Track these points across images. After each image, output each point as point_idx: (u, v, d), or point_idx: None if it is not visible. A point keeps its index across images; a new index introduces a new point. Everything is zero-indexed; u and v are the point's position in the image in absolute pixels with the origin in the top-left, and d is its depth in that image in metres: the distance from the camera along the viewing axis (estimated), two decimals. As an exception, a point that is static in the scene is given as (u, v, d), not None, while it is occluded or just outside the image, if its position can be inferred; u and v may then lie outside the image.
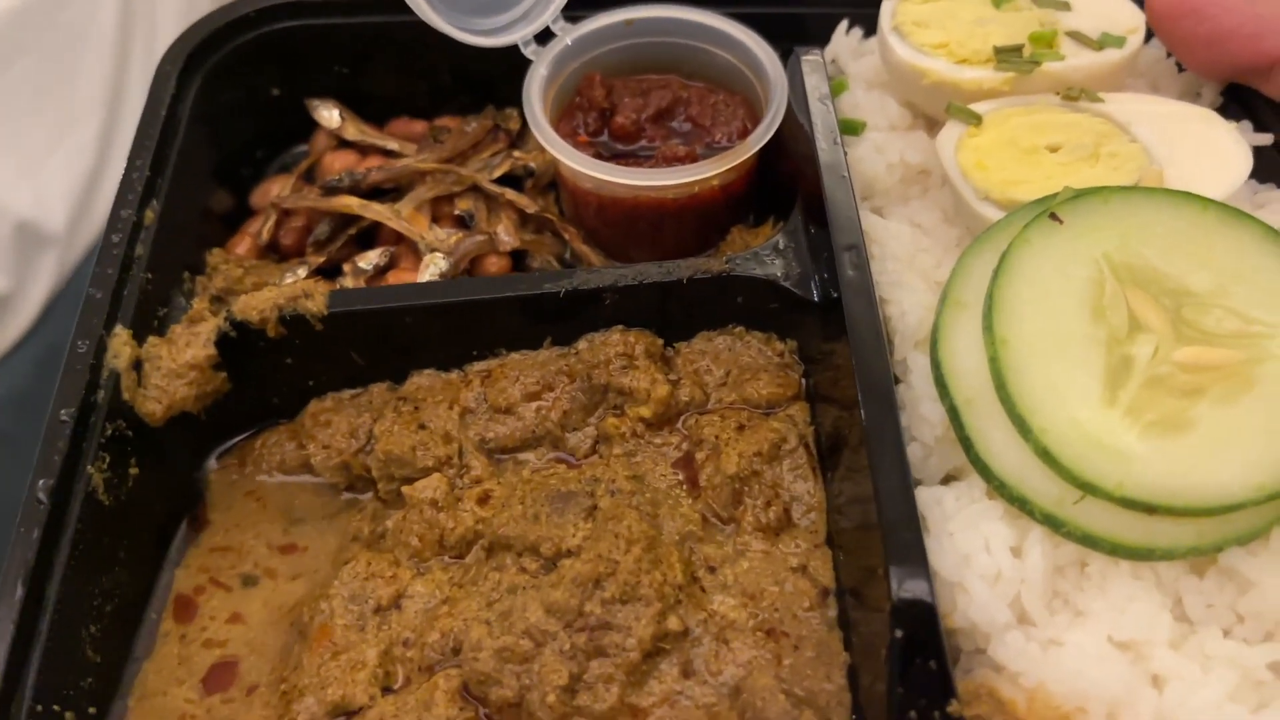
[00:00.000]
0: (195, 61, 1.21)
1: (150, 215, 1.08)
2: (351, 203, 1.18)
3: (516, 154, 1.27)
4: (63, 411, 0.93)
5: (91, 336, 0.98)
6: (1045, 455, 0.80)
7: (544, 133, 1.11)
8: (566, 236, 1.21)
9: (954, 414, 0.86)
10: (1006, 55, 1.09)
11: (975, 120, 1.05)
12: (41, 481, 0.90)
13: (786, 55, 1.18)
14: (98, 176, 2.30)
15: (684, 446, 1.01)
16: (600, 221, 1.19)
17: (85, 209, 2.27)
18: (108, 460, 0.95)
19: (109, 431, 0.96)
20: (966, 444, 0.85)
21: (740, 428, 1.00)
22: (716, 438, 0.99)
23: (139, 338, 1.01)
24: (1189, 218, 0.89)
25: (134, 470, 0.98)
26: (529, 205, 1.21)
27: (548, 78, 1.17)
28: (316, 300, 1.02)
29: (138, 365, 1.00)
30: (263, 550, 1.04)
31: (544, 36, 1.21)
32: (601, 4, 1.25)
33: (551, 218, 1.22)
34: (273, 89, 1.31)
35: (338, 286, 1.15)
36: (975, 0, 1.17)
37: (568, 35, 1.20)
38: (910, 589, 0.77)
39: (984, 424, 0.84)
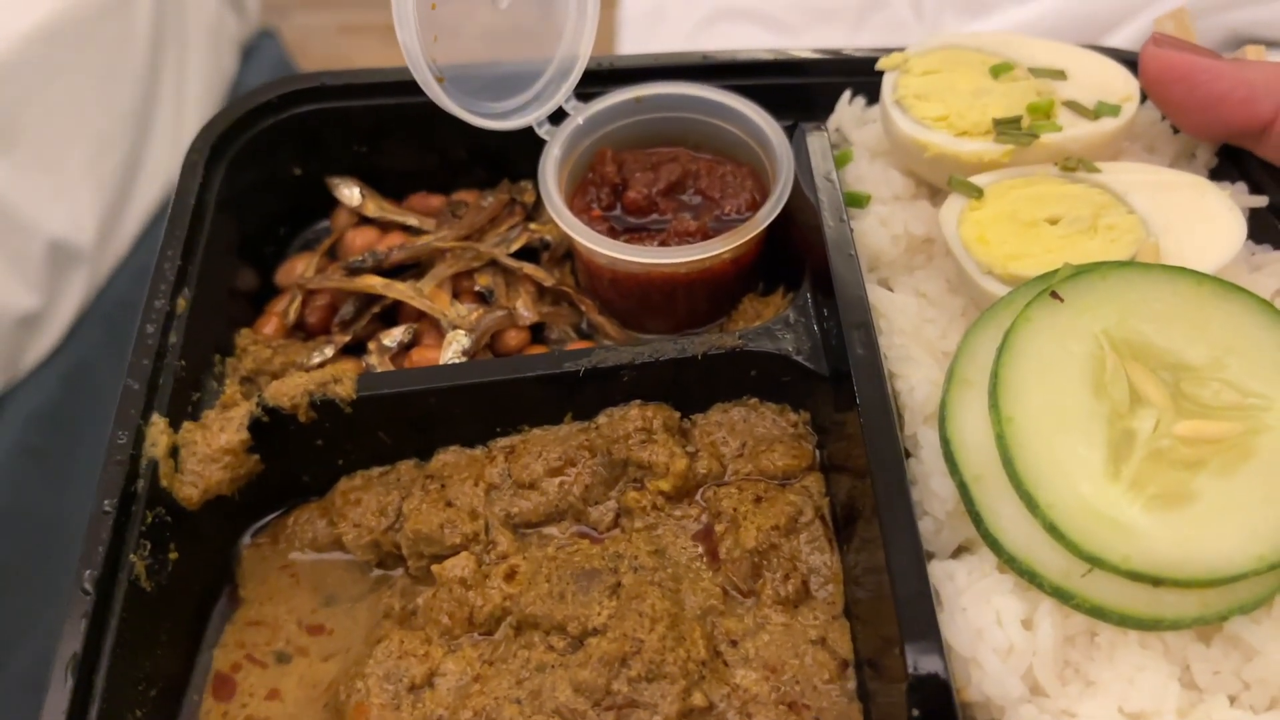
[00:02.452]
0: (221, 147, 1.25)
1: (182, 303, 1.12)
2: (375, 283, 1.22)
3: (533, 226, 1.31)
4: (106, 502, 0.97)
5: (129, 427, 1.01)
6: (1052, 530, 0.83)
7: (560, 213, 1.15)
8: (583, 308, 1.25)
9: (964, 489, 0.89)
10: (1005, 128, 1.13)
11: (977, 194, 1.09)
12: (88, 572, 0.93)
13: (793, 127, 1.22)
14: (126, 195, 2.36)
15: (703, 519, 1.05)
16: (615, 293, 1.23)
17: (113, 227, 2.33)
18: (149, 547, 0.99)
19: (149, 519, 0.99)
20: (977, 519, 0.88)
21: (757, 500, 1.03)
22: (735, 510, 1.02)
23: (174, 424, 1.05)
24: (1184, 293, 0.92)
25: (173, 555, 1.02)
26: (546, 279, 1.25)
27: (560, 158, 1.21)
28: (345, 385, 1.06)
29: (174, 451, 1.04)
30: (294, 627, 1.08)
31: (557, 116, 1.25)
32: (610, 80, 1.29)
33: (568, 290, 1.26)
34: (294, 169, 1.35)
35: (363, 365, 1.19)
36: (974, 71, 1.21)
37: (580, 115, 1.24)
38: (925, 665, 0.80)
39: (993, 500, 0.88)
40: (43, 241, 2.07)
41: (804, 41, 2.41)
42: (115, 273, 2.37)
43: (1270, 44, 1.94)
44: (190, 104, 2.64)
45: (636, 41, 2.54)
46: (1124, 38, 1.96)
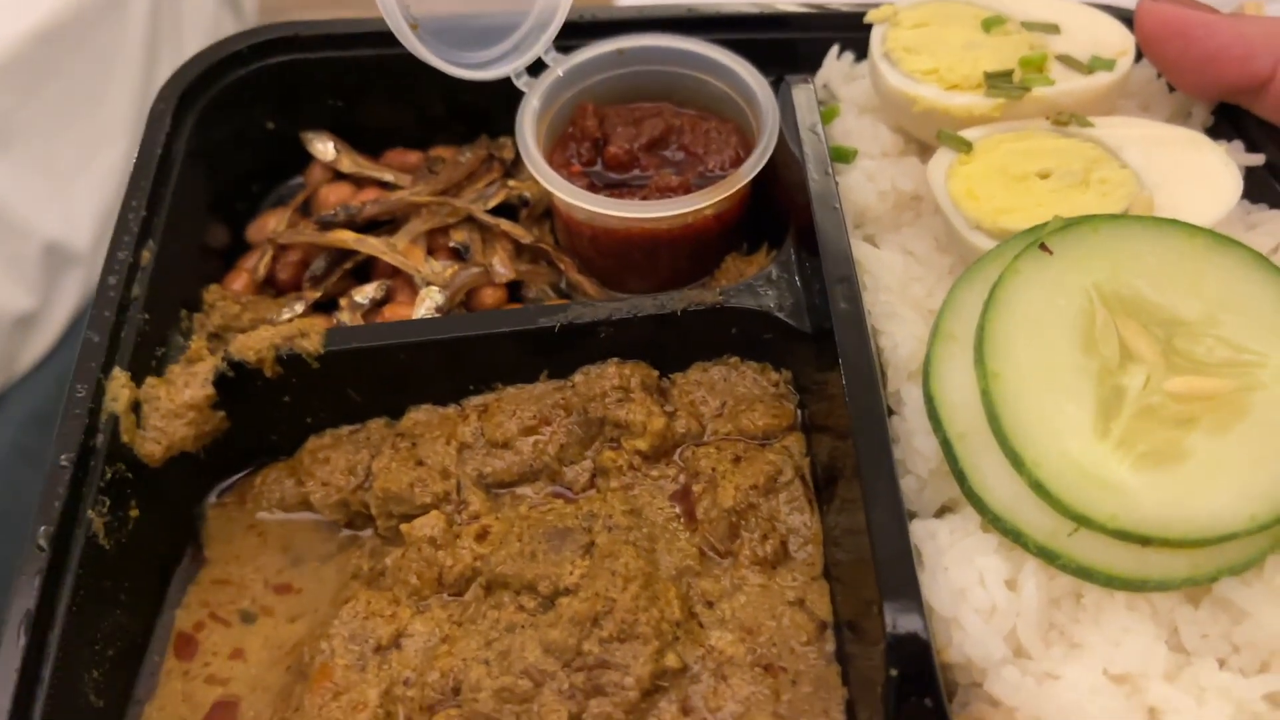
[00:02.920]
0: (189, 98, 1.21)
1: (146, 255, 1.08)
2: (347, 237, 1.19)
3: (511, 183, 1.28)
4: (62, 457, 0.94)
5: (89, 380, 0.98)
6: (1039, 489, 0.81)
7: (537, 166, 1.12)
8: (562, 266, 1.22)
9: (947, 447, 0.86)
10: (996, 81, 1.10)
11: (966, 148, 1.06)
12: (42, 528, 0.90)
13: (778, 82, 1.18)
14: (122, 196, 2.33)
15: (681, 479, 1.02)
16: (595, 251, 1.20)
17: (110, 229, 2.29)
18: (108, 504, 0.95)
19: (109, 475, 0.96)
20: (960, 478, 0.85)
21: (736, 460, 1.00)
22: (713, 470, 1.00)
23: (137, 379, 1.02)
24: (1178, 246, 0.89)
25: (134, 512, 0.99)
26: (524, 236, 1.22)
27: (539, 109, 1.18)
28: (313, 339, 1.03)
29: (136, 407, 1.01)
30: (260, 587, 1.05)
31: (536, 68, 1.21)
32: (592, 33, 1.26)
33: (547, 248, 1.22)
34: (267, 123, 1.31)
35: (334, 322, 1.16)
36: (965, 24, 1.18)
37: (560, 66, 1.21)
38: (905, 625, 0.77)
39: (977, 458, 0.85)
40: (38, 243, 2.05)
41: None
42: None
43: None
44: None
45: None
46: None
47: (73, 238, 2.14)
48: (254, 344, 1.02)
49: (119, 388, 0.99)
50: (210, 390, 1.02)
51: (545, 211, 1.29)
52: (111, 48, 2.30)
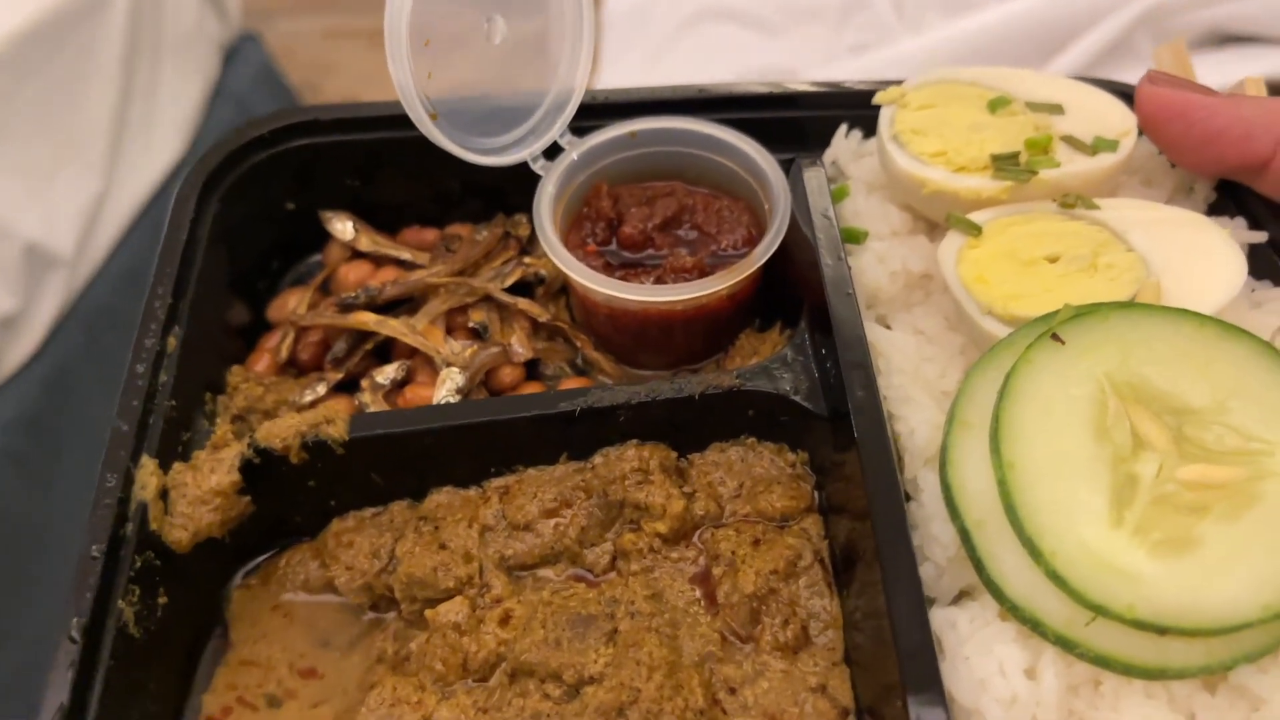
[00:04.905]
0: (213, 183, 1.23)
1: (173, 342, 1.10)
2: (368, 319, 1.21)
3: (527, 260, 1.30)
4: (94, 548, 0.95)
5: (119, 470, 1.00)
6: (1056, 578, 0.82)
7: (556, 251, 1.14)
8: (579, 344, 1.24)
9: (965, 535, 0.88)
10: (1003, 164, 1.12)
11: (975, 231, 1.08)
12: (75, 620, 0.91)
13: (789, 161, 1.21)
14: (104, 198, 2.36)
15: (701, 561, 1.03)
16: (611, 329, 1.22)
17: (92, 230, 2.33)
18: (138, 593, 0.97)
19: (138, 563, 0.98)
20: (979, 565, 0.87)
21: (756, 542, 1.02)
22: (733, 554, 1.01)
23: (164, 465, 1.04)
24: (1187, 334, 0.91)
25: (163, 599, 1.00)
26: (541, 314, 1.24)
27: (555, 194, 1.20)
28: (338, 426, 1.04)
29: (164, 493, 1.02)
30: (285, 670, 1.06)
31: (552, 150, 1.24)
32: (605, 114, 1.28)
33: (563, 325, 1.25)
34: (287, 203, 1.34)
35: (356, 402, 1.18)
36: (971, 105, 1.20)
37: (575, 150, 1.24)
38: (928, 717, 0.78)
39: (995, 546, 0.86)
40: (19, 245, 2.06)
41: (786, 41, 2.43)
42: (94, 277, 2.37)
43: (1249, 39, 1.95)
44: (169, 107, 2.65)
45: (621, 41, 2.54)
46: (1107, 30, 1.97)
47: (53, 239, 2.16)
48: (280, 431, 1.04)
49: (147, 475, 1.01)
50: (236, 476, 1.04)
51: (561, 288, 1.31)
52: (91, 49, 2.33)
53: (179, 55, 2.70)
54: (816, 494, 1.07)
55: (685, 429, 1.09)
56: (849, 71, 2.23)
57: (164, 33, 2.65)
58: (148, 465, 1.02)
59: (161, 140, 2.61)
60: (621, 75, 2.48)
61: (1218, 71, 1.89)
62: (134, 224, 2.49)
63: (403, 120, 1.12)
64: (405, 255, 1.32)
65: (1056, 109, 1.19)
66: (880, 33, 2.41)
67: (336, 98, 4.56)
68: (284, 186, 1.32)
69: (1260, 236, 1.13)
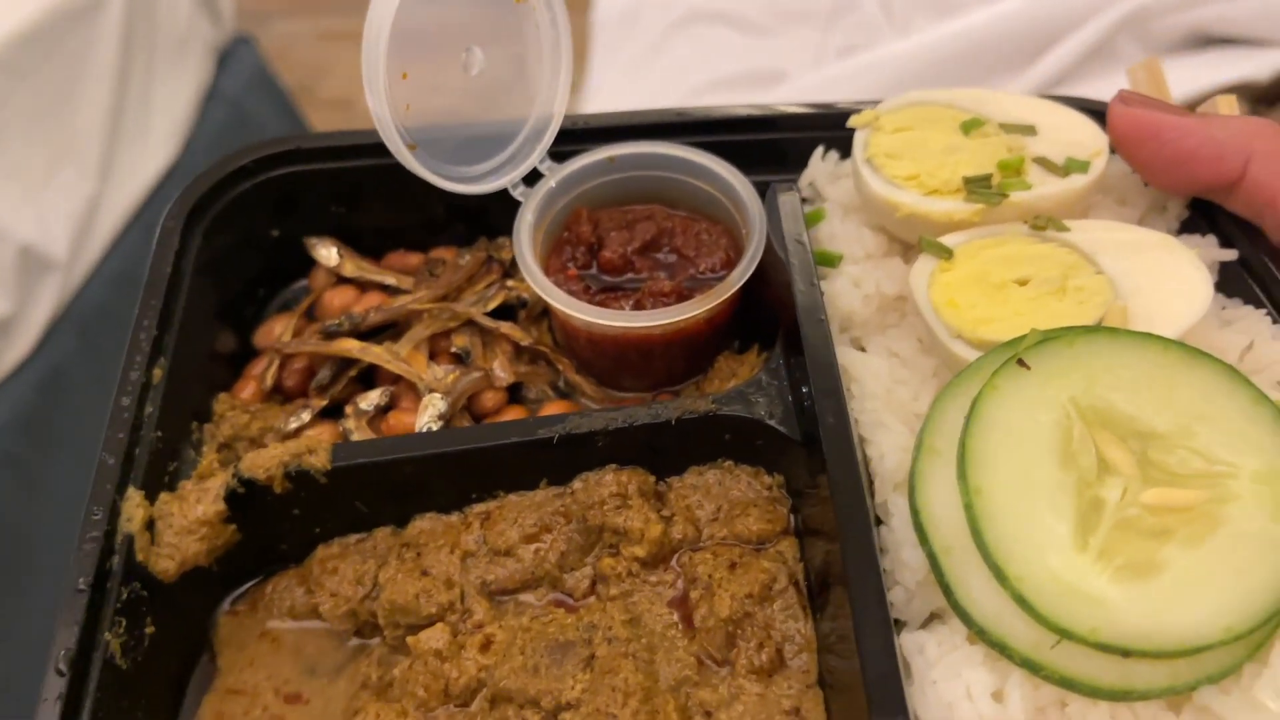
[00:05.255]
0: (197, 214, 1.25)
1: (159, 373, 1.12)
2: (351, 346, 1.22)
3: (510, 284, 1.32)
4: (80, 580, 0.97)
5: (104, 502, 1.01)
6: (1021, 602, 0.84)
7: (536, 279, 1.15)
8: (560, 367, 1.26)
9: (933, 560, 0.89)
10: (975, 187, 1.13)
11: (947, 255, 1.09)
12: (62, 652, 0.93)
13: (765, 184, 1.23)
14: (98, 201, 2.38)
15: (679, 585, 1.05)
16: (592, 353, 1.23)
17: (86, 234, 2.35)
18: (124, 624, 0.98)
19: (125, 595, 0.99)
20: (947, 590, 0.88)
21: (732, 566, 1.03)
22: (710, 577, 1.03)
23: (150, 496, 1.05)
24: (1151, 359, 0.93)
25: (149, 629, 1.02)
26: (523, 338, 1.26)
27: (535, 222, 1.22)
28: (320, 456, 1.06)
29: (150, 524, 1.04)
30: (270, 696, 1.07)
31: (531, 177, 1.25)
32: (584, 139, 1.30)
33: (545, 349, 1.26)
34: (272, 230, 1.35)
35: (340, 428, 1.20)
36: (945, 128, 1.22)
37: (554, 176, 1.25)
38: (896, 744, 0.80)
39: (963, 571, 0.88)
40: (13, 247, 2.08)
41: (775, 43, 2.45)
42: (88, 279, 2.39)
43: (1232, 40, 1.97)
44: (163, 110, 2.66)
45: (610, 43, 2.56)
46: (1091, 32, 1.98)
47: (47, 242, 2.18)
48: (264, 462, 1.06)
49: (134, 508, 1.03)
50: (222, 506, 1.05)
51: (543, 311, 1.32)
52: (85, 52, 2.35)
53: (173, 58, 2.72)
54: (792, 517, 1.08)
55: (663, 453, 1.11)
56: (837, 74, 2.25)
57: (158, 35, 2.66)
58: (134, 497, 1.03)
59: (156, 143, 2.63)
60: (611, 78, 2.51)
61: (1200, 74, 1.91)
62: (128, 227, 2.51)
63: (384, 147, 1.13)
64: (389, 280, 1.34)
65: (1029, 130, 1.20)
66: (869, 35, 2.43)
67: (331, 99, 4.58)
68: (268, 214, 1.33)
69: (1231, 254, 1.14)
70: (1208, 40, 2.02)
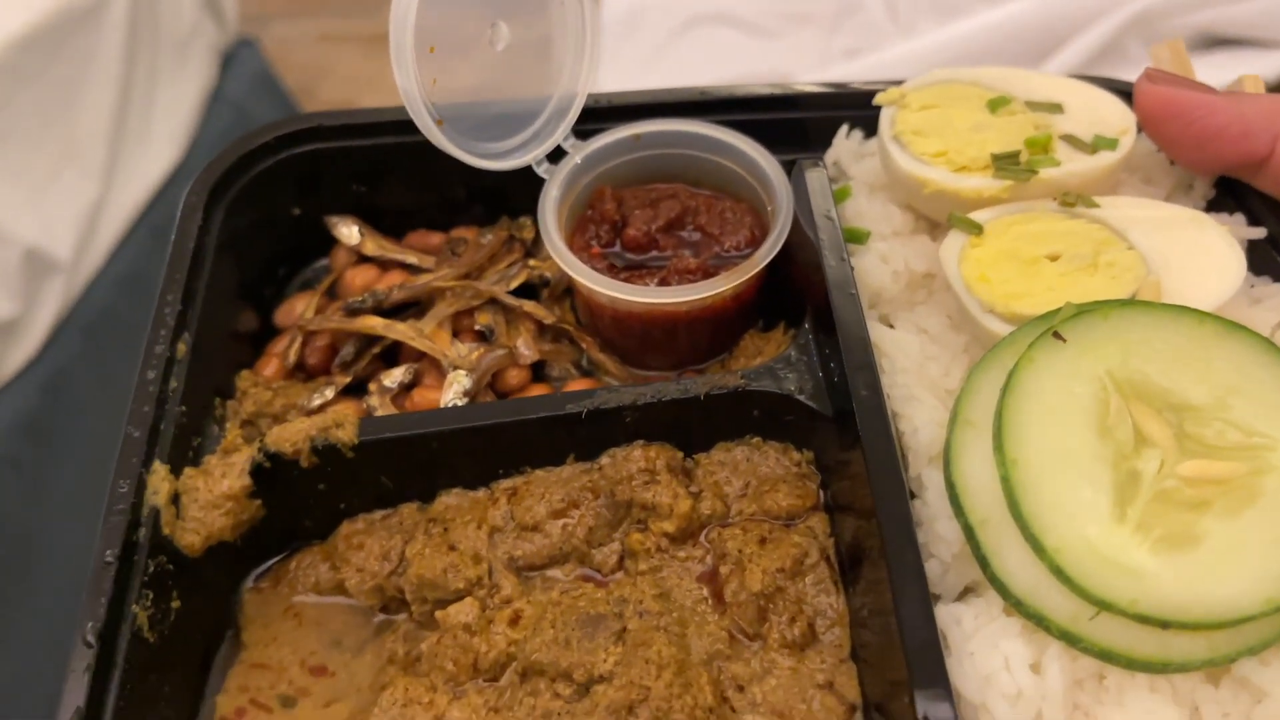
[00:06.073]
0: (219, 191, 1.24)
1: (183, 348, 1.11)
2: (375, 323, 1.22)
3: (532, 263, 1.31)
4: (108, 553, 0.96)
5: (131, 476, 1.01)
6: (1059, 574, 0.83)
7: (562, 255, 1.15)
8: (584, 345, 1.25)
9: (969, 533, 0.89)
10: (1004, 164, 1.13)
11: (977, 231, 1.09)
12: (90, 624, 0.92)
13: (791, 162, 1.22)
14: (102, 204, 2.38)
15: (708, 560, 1.04)
16: (616, 331, 1.23)
17: (90, 236, 2.35)
18: (151, 597, 0.98)
19: (151, 568, 0.99)
20: (983, 562, 0.87)
21: (762, 541, 1.03)
22: (740, 552, 1.02)
23: (175, 470, 1.05)
24: (1186, 332, 0.92)
25: (175, 603, 1.01)
26: (546, 316, 1.25)
27: (559, 198, 1.21)
28: (347, 430, 1.05)
29: (175, 498, 1.04)
30: (296, 669, 1.07)
31: (555, 154, 1.25)
32: (608, 117, 1.29)
33: (568, 327, 1.26)
34: (293, 209, 1.35)
35: (364, 406, 1.19)
36: (971, 106, 1.21)
37: (578, 153, 1.25)
38: (936, 713, 0.79)
39: (999, 543, 0.87)
40: (18, 250, 2.07)
41: (780, 45, 2.44)
42: (92, 282, 2.39)
43: (1239, 41, 1.96)
44: (166, 113, 2.66)
45: (614, 45, 2.56)
46: (1098, 34, 1.98)
47: (52, 244, 2.18)
48: (290, 435, 1.05)
49: (159, 481, 1.02)
50: (247, 481, 1.05)
51: (566, 290, 1.32)
52: (89, 54, 2.35)
53: (176, 60, 2.72)
54: (822, 492, 1.08)
55: (691, 429, 1.11)
56: (842, 75, 2.24)
57: (161, 38, 2.66)
58: (159, 471, 1.03)
59: (159, 145, 2.62)
60: (615, 80, 2.50)
61: (1208, 75, 1.91)
62: (132, 229, 2.50)
63: (406, 125, 1.13)
64: (411, 259, 1.33)
65: (1056, 108, 1.20)
66: (873, 37, 2.42)
67: (332, 102, 4.58)
68: (289, 193, 1.33)
69: (1259, 232, 1.14)
70: (1215, 41, 2.02)
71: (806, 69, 2.37)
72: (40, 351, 2.24)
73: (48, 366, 2.23)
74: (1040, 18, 2.09)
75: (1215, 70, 1.91)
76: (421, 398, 1.19)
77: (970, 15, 2.20)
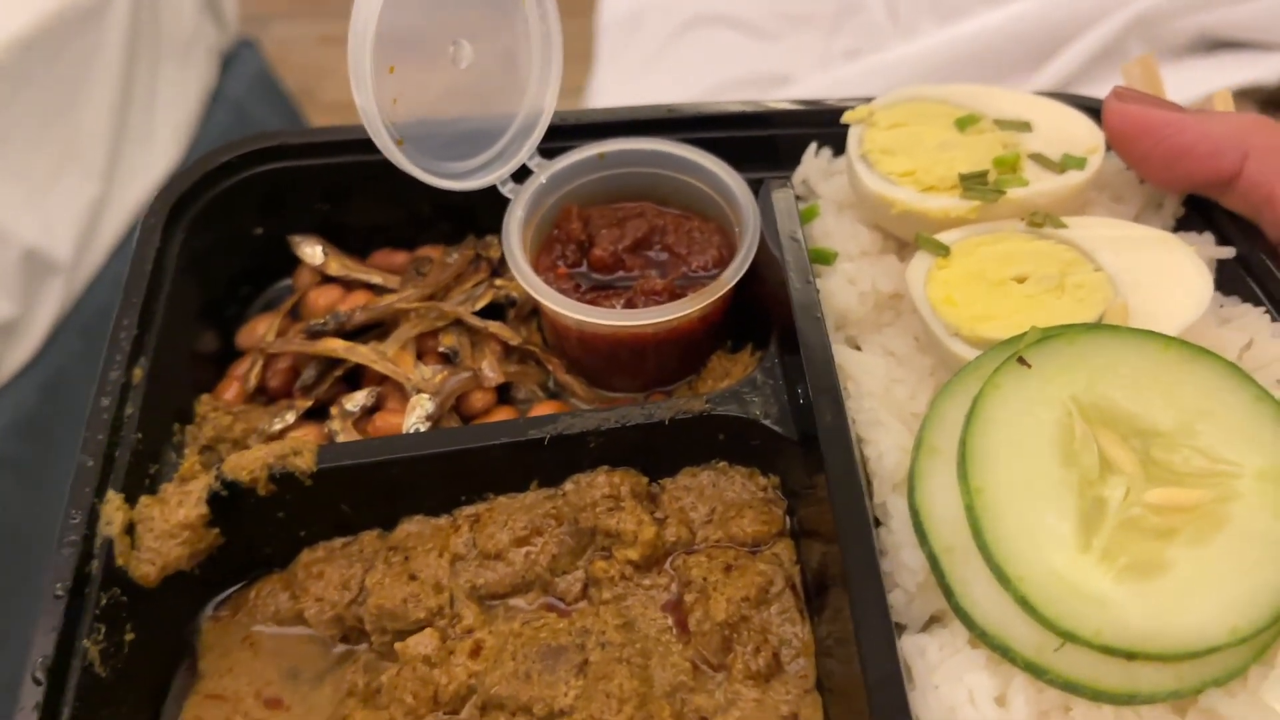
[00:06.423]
0: (179, 211, 1.22)
1: (139, 373, 1.09)
2: (337, 346, 1.20)
3: (498, 282, 1.30)
4: (57, 586, 0.94)
5: (83, 506, 0.99)
6: (1024, 604, 0.82)
7: (525, 277, 1.13)
8: (550, 367, 1.24)
9: (934, 562, 0.87)
10: (971, 183, 1.12)
11: (944, 252, 1.08)
12: (40, 659, 0.90)
13: (758, 181, 1.21)
14: (103, 205, 2.38)
15: (673, 589, 1.03)
16: (583, 352, 1.21)
17: (90, 237, 2.34)
18: (103, 630, 0.96)
19: (104, 601, 0.97)
20: (948, 593, 0.86)
21: (727, 569, 1.01)
22: (704, 580, 1.01)
23: (130, 499, 1.03)
24: (1153, 357, 0.91)
25: (129, 636, 0.99)
26: (512, 338, 1.23)
27: (524, 218, 1.20)
28: (305, 457, 1.03)
29: (130, 528, 1.01)
30: (251, 701, 1.05)
31: (521, 174, 1.23)
32: (574, 135, 1.28)
33: (534, 349, 1.24)
34: (256, 228, 1.33)
35: (326, 430, 1.17)
36: (939, 124, 1.20)
37: (544, 173, 1.23)
38: (898, 750, 0.78)
39: (964, 572, 0.86)
40: (17, 250, 2.07)
41: (780, 46, 2.44)
42: (92, 282, 2.38)
43: (1240, 43, 1.96)
44: (167, 113, 2.66)
45: (615, 46, 2.55)
46: (1099, 35, 1.98)
47: (51, 245, 2.17)
48: (247, 464, 1.03)
49: (113, 511, 1.00)
50: (204, 509, 1.03)
51: (532, 310, 1.30)
52: (90, 55, 2.34)
53: (177, 61, 2.71)
54: (788, 518, 1.06)
55: (656, 454, 1.09)
56: (842, 77, 2.24)
57: (162, 39, 2.65)
58: (113, 500, 1.01)
59: (160, 146, 2.62)
60: (616, 81, 2.49)
61: (1208, 77, 1.91)
62: (132, 230, 2.49)
63: (370, 144, 1.11)
64: (376, 279, 1.31)
65: (1024, 126, 1.19)
66: (874, 38, 2.42)
67: (332, 102, 4.56)
68: (252, 212, 1.31)
69: (1228, 252, 1.13)
70: (1216, 43, 2.02)
71: (806, 70, 2.37)
72: (39, 352, 2.24)
73: (47, 367, 2.23)
74: (1041, 19, 2.09)
75: (1216, 72, 1.91)
76: (384, 421, 1.17)
77: (971, 16, 2.20)
